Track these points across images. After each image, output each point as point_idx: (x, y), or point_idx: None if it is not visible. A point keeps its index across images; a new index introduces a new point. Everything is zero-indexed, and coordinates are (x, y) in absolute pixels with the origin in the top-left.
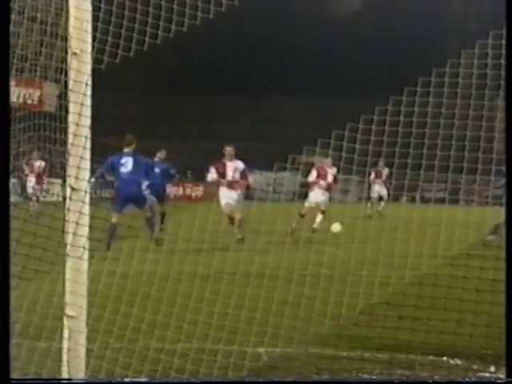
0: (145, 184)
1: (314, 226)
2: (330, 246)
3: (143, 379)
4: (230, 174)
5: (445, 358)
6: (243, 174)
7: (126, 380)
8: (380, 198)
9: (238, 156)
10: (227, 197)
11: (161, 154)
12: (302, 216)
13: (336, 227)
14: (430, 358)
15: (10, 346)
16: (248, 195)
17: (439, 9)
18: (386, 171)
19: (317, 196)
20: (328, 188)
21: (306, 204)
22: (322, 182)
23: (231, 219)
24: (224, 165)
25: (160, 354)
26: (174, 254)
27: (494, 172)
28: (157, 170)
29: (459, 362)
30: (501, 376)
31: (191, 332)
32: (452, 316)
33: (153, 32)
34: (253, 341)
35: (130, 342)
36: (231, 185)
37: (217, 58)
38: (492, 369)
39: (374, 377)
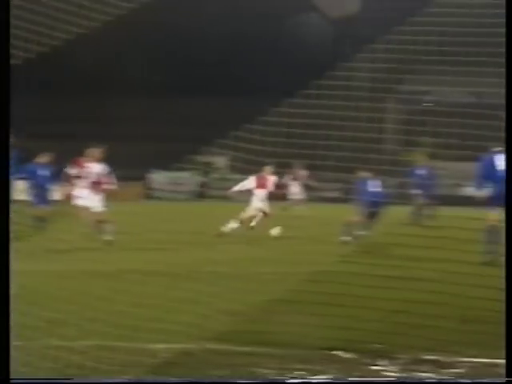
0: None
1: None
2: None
3: (143, 379)
4: (89, 177)
5: (338, 352)
6: (104, 177)
7: (126, 380)
8: (296, 200)
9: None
10: (85, 199)
11: (42, 157)
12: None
13: (275, 231)
14: (324, 352)
15: (10, 346)
16: (148, 195)
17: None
18: (303, 173)
19: (257, 203)
20: (268, 195)
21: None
22: (261, 190)
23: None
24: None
25: (60, 351)
26: (71, 253)
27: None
28: (41, 173)
29: (351, 355)
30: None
31: (91, 330)
32: (345, 312)
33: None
34: (152, 338)
35: (28, 339)
36: (90, 187)
37: (109, 57)
38: (381, 362)
39: (375, 378)
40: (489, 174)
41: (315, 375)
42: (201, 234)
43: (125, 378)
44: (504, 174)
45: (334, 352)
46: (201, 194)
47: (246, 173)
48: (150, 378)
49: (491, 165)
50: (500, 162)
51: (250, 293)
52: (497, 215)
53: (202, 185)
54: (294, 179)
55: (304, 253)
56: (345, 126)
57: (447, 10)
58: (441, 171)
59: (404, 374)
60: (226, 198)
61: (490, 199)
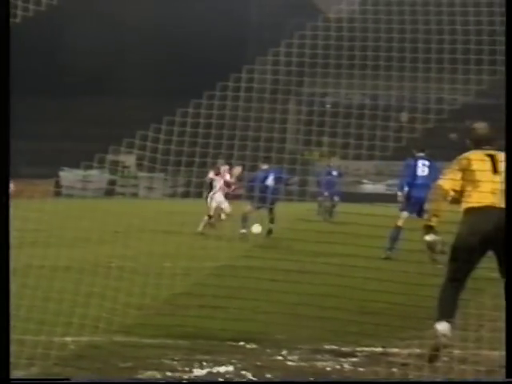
0: None
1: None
2: (134, 240)
3: (143, 379)
4: None
5: (241, 343)
6: None
7: (127, 380)
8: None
9: None
10: None
11: None
12: (210, 217)
13: (256, 228)
14: (228, 343)
15: (9, 346)
16: (58, 192)
17: (238, 17)
18: (232, 170)
19: (219, 197)
20: (226, 190)
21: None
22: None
23: None
24: None
25: None
26: None
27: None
28: None
29: (254, 346)
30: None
31: None
32: (248, 304)
33: None
34: (60, 331)
35: None
36: None
37: (18, 57)
38: (284, 352)
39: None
40: (409, 178)
41: (220, 365)
42: (108, 230)
43: (125, 378)
44: (424, 180)
45: (238, 343)
46: (110, 192)
47: (152, 171)
48: (150, 378)
49: (412, 169)
50: (421, 167)
51: (155, 287)
52: (406, 217)
53: (111, 182)
54: (217, 175)
55: (208, 248)
56: (248, 125)
57: (344, 16)
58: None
59: (304, 363)
60: (134, 196)
61: (405, 201)
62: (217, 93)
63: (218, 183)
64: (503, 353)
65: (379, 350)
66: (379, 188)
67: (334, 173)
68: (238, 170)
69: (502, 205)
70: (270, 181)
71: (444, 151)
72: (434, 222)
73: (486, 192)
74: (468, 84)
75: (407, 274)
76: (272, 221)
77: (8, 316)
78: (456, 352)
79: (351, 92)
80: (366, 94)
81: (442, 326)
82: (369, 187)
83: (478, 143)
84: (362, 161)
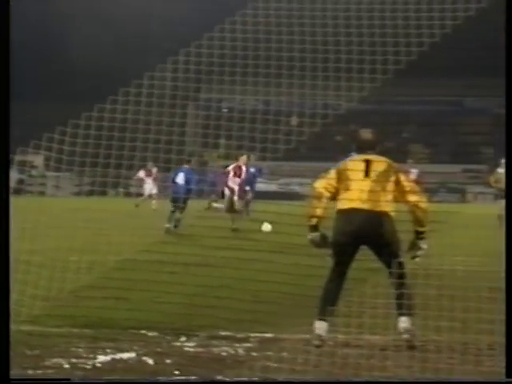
0: None
1: None
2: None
3: (143, 379)
4: None
5: (143, 331)
6: None
7: (127, 380)
8: (150, 196)
9: None
10: None
11: None
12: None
13: (266, 227)
14: (130, 331)
15: (9, 345)
16: None
17: (142, 29)
18: (155, 170)
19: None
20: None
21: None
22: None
23: None
24: None
25: None
26: None
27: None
28: None
29: (155, 334)
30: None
31: None
32: (149, 295)
33: None
34: None
35: None
36: None
37: None
38: (182, 339)
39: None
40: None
41: (123, 352)
42: (16, 227)
43: (125, 378)
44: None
45: (139, 331)
46: (18, 191)
47: (59, 170)
48: (150, 379)
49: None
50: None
51: (61, 280)
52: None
53: (19, 182)
54: (148, 176)
55: (112, 243)
56: (149, 129)
57: (238, 27)
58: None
59: (201, 349)
60: (41, 194)
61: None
62: (120, 98)
63: (148, 184)
64: (385, 337)
65: (270, 335)
66: (272, 187)
67: (252, 170)
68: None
69: (372, 207)
70: (180, 179)
71: (331, 153)
72: (313, 221)
73: (355, 196)
74: (351, 91)
75: (297, 266)
76: (179, 219)
77: (8, 316)
78: (340, 337)
79: (245, 98)
80: (259, 99)
81: (320, 325)
82: (262, 186)
83: (360, 148)
84: (255, 161)
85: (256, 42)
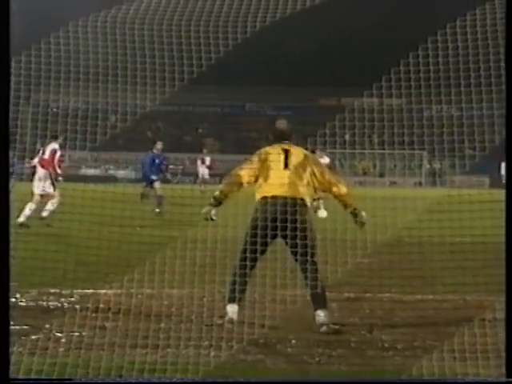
0: None
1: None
2: None
3: (143, 379)
4: None
5: None
6: None
7: (127, 380)
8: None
9: None
10: None
11: None
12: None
13: (322, 213)
14: None
15: (9, 346)
16: None
17: None
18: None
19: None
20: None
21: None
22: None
23: None
24: None
25: None
26: None
27: None
28: None
29: None
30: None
31: None
32: None
33: None
34: None
35: None
36: None
37: None
38: (17, 295)
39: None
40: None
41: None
42: None
43: (125, 378)
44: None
45: None
46: None
47: None
48: (150, 378)
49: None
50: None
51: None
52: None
53: None
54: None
55: None
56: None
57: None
58: None
59: (32, 303)
60: None
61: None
62: None
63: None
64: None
65: (91, 291)
66: (98, 172)
67: (157, 160)
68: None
69: (291, 195)
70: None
71: (143, 144)
72: (218, 195)
73: (274, 184)
74: (155, 94)
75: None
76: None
77: (8, 316)
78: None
79: (75, 99)
80: (80, 100)
81: (231, 308)
82: (90, 171)
83: (278, 138)
84: (80, 151)
85: (77, 53)
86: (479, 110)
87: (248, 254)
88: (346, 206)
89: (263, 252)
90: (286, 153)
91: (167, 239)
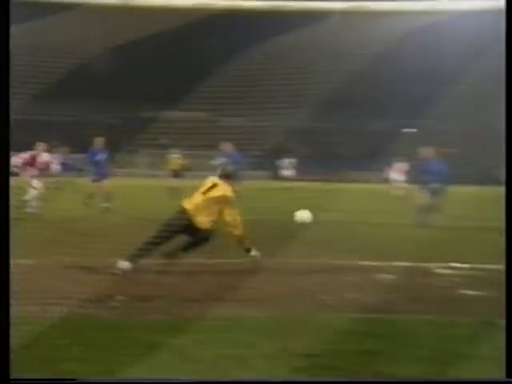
0: None
1: None
2: None
3: (143, 379)
4: None
5: None
6: None
7: (126, 380)
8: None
9: None
10: None
11: None
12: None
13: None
14: None
15: (9, 346)
16: None
17: None
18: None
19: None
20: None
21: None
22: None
23: None
24: None
25: None
26: None
27: None
28: None
29: None
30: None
31: None
32: None
33: None
34: None
35: None
36: None
37: None
38: None
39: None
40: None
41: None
42: None
43: (125, 378)
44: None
45: None
46: None
47: None
48: (150, 378)
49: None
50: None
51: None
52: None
53: None
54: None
55: None
56: None
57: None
58: None
59: None
60: None
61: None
62: None
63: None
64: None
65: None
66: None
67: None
68: None
69: (194, 213)
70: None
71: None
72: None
73: (191, 200)
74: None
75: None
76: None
77: (8, 316)
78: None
79: None
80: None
81: (124, 265)
82: None
83: (220, 175)
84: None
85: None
86: (262, 122)
87: (157, 240)
88: (236, 241)
89: (168, 241)
90: (213, 185)
91: None
